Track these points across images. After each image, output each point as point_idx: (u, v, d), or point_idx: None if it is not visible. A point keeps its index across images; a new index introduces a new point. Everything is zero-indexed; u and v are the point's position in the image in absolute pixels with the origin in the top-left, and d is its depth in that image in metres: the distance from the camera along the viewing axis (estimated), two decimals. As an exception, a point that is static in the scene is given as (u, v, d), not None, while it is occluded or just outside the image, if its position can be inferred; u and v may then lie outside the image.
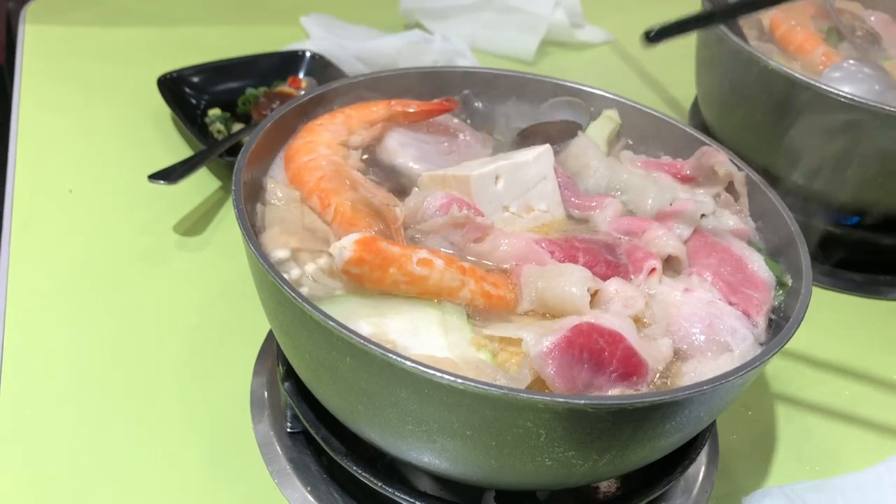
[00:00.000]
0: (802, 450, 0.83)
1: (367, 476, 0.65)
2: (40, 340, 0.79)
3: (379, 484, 0.64)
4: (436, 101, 0.80)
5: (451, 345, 0.56)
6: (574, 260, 0.65)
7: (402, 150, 0.77)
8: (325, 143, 0.72)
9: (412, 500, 0.64)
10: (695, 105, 1.30)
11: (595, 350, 0.55)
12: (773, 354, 0.56)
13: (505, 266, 0.65)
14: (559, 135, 0.80)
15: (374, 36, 1.36)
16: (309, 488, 0.71)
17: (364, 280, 0.60)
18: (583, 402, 0.51)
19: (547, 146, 0.74)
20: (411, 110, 0.78)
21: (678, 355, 0.60)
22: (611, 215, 0.73)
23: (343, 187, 0.68)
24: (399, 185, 0.74)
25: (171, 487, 0.69)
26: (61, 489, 0.67)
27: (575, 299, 0.59)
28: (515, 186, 0.71)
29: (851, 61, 1.07)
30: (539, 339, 0.54)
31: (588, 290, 0.60)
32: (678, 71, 1.35)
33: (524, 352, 0.55)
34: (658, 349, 0.58)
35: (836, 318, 1.01)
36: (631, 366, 0.55)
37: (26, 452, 0.70)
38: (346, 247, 0.58)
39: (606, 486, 0.73)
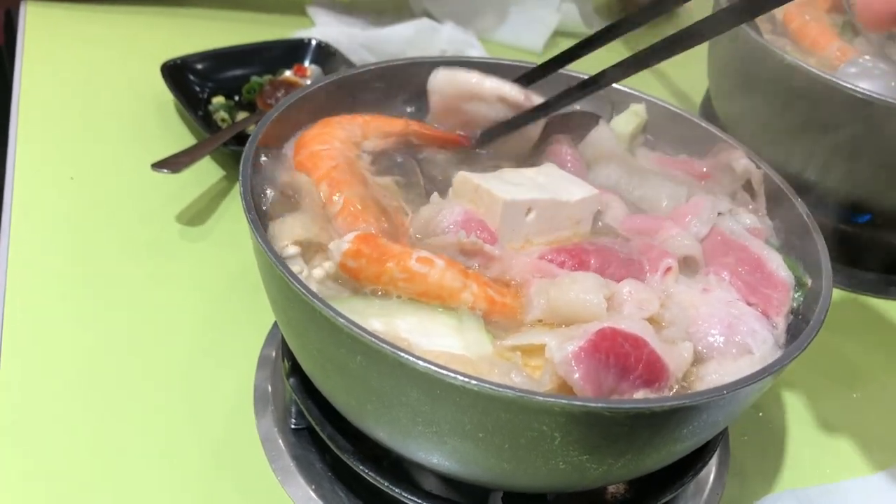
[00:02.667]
0: (814, 453, 0.81)
1: (372, 475, 0.63)
2: (40, 330, 0.78)
3: (385, 483, 0.63)
4: (452, 133, 0.77)
5: (467, 344, 0.55)
6: (586, 265, 0.63)
7: None
8: (340, 138, 0.70)
9: (418, 500, 0.62)
10: (706, 99, 1.28)
11: (621, 354, 0.53)
12: (795, 358, 0.55)
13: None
14: (579, 126, 0.78)
15: (382, 24, 1.34)
16: (313, 486, 0.69)
17: (361, 275, 0.58)
18: (600, 405, 0.49)
19: (597, 192, 0.69)
20: (426, 133, 0.76)
21: (696, 357, 0.59)
22: (617, 214, 0.71)
23: (354, 180, 0.66)
24: (409, 194, 0.71)
25: (172, 483, 0.68)
26: (60, 482, 0.66)
27: (592, 307, 0.57)
28: (546, 224, 0.67)
29: (867, 57, 1.06)
30: (563, 344, 0.52)
31: (603, 296, 0.58)
32: (689, 64, 1.33)
33: (547, 357, 0.53)
34: (679, 354, 0.56)
35: (848, 318, 0.99)
36: (655, 371, 0.54)
37: (25, 443, 0.68)
38: (344, 240, 0.58)
39: (615, 489, 0.71)
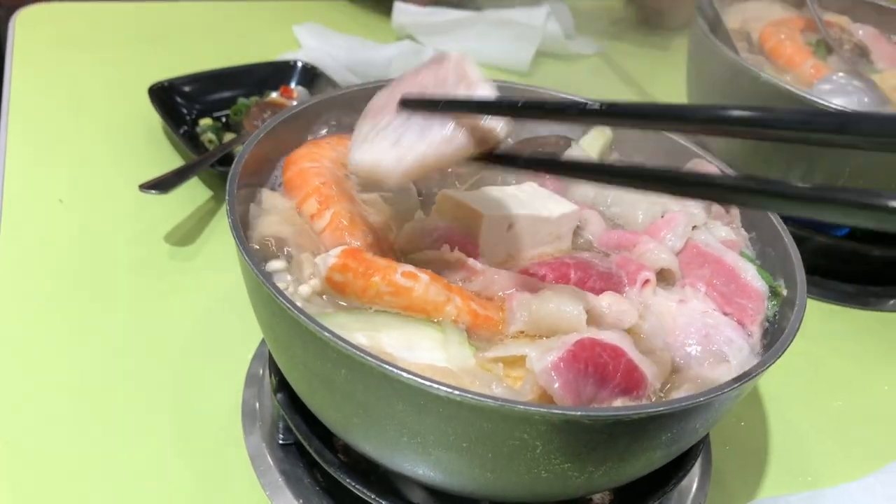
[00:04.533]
0: (795, 461, 0.83)
1: (360, 488, 0.64)
2: (29, 351, 0.79)
3: (373, 496, 0.64)
4: None
5: (450, 357, 0.56)
6: (566, 278, 0.65)
7: None
8: (329, 157, 0.72)
9: (406, 513, 0.64)
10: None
11: (599, 364, 0.54)
12: (770, 365, 0.56)
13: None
14: (553, 148, 0.80)
15: (366, 47, 1.36)
16: (301, 501, 0.70)
17: (347, 289, 0.59)
18: (579, 413, 0.51)
19: (576, 209, 0.71)
20: None
21: (674, 366, 0.60)
22: (596, 230, 0.73)
23: (342, 197, 0.68)
24: (395, 209, 0.72)
25: (161, 500, 0.68)
26: (52, 501, 0.66)
27: (572, 318, 0.58)
28: (527, 239, 0.68)
29: (841, 74, 1.08)
30: (543, 355, 0.54)
31: (583, 308, 0.59)
32: (669, 82, 1.36)
33: (528, 368, 0.54)
34: (657, 363, 0.58)
35: (826, 329, 1.01)
36: (633, 380, 0.55)
37: (16, 464, 0.69)
38: (331, 254, 0.59)
39: (600, 498, 0.72)
